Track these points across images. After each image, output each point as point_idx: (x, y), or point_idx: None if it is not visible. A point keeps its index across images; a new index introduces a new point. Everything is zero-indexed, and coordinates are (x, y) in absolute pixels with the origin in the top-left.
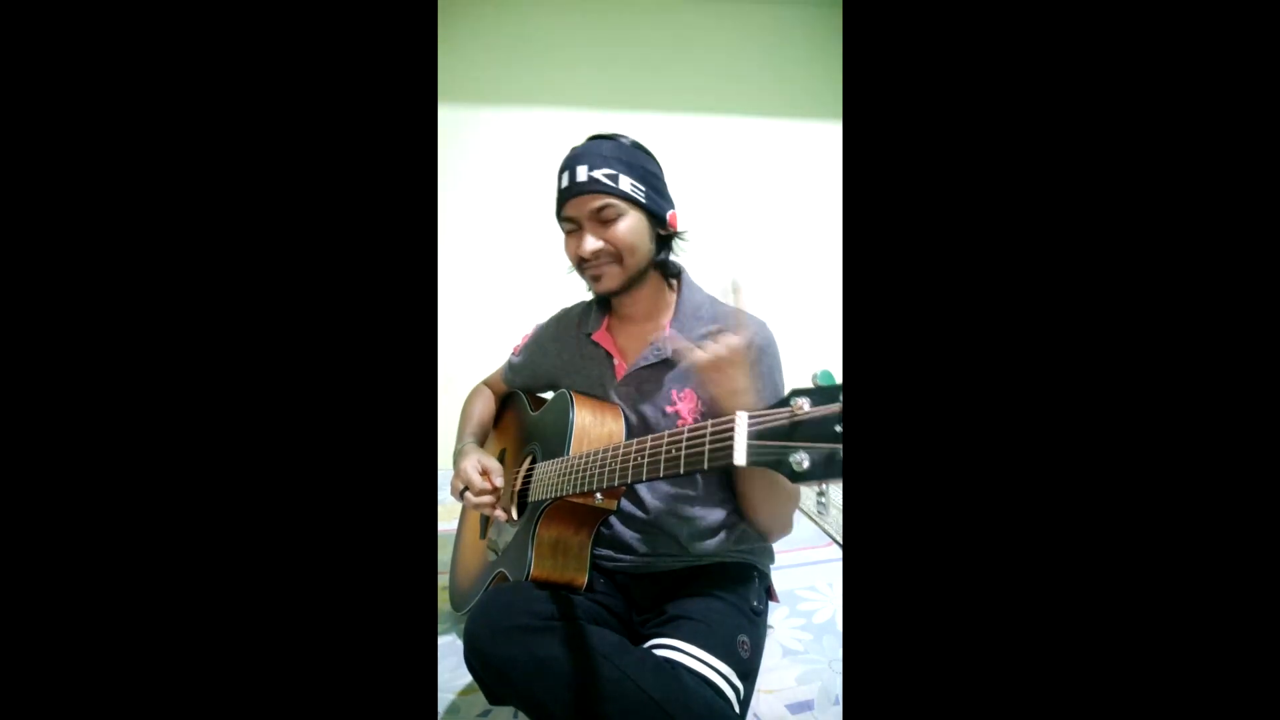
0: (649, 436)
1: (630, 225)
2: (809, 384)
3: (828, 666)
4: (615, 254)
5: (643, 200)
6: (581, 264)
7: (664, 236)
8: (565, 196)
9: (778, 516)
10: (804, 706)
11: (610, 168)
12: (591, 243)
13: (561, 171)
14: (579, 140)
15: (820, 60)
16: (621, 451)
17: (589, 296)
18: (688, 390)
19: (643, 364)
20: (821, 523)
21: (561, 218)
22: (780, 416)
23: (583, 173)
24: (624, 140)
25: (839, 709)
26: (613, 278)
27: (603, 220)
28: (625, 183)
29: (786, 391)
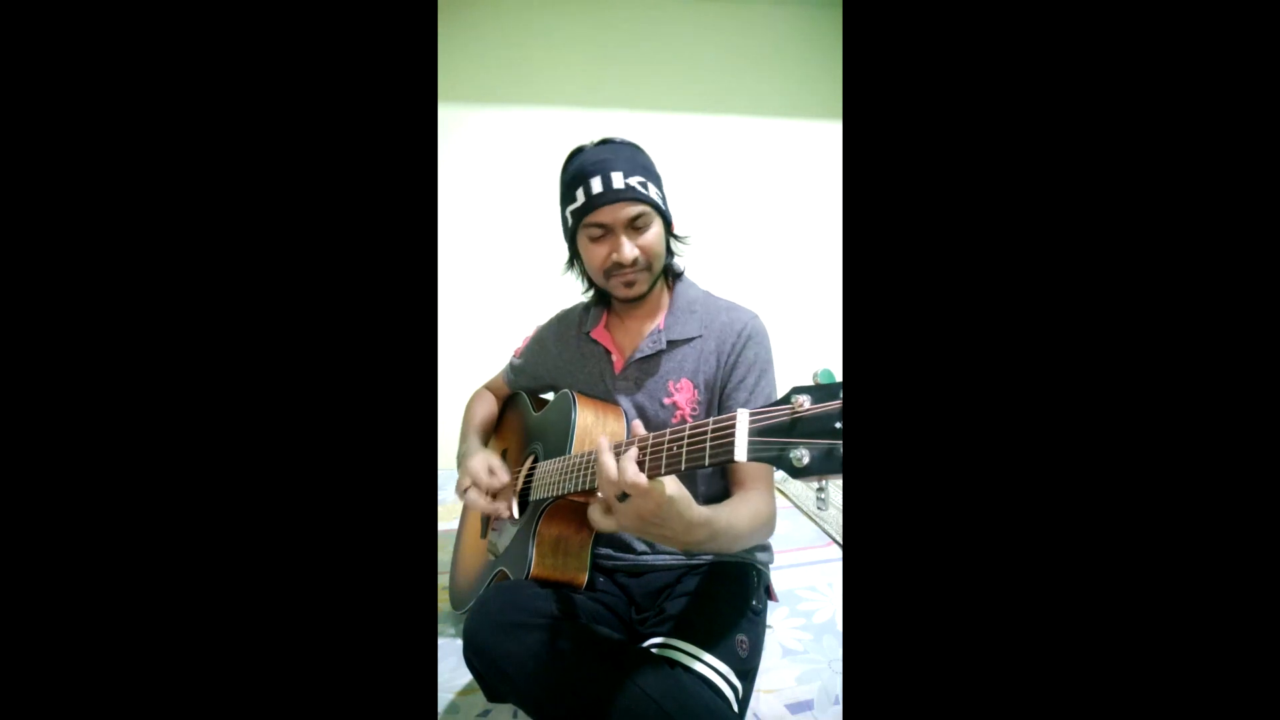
0: (650, 434)
1: (657, 233)
2: (810, 382)
3: (828, 666)
4: (647, 262)
5: (664, 208)
6: (613, 270)
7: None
8: (599, 202)
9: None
10: (804, 706)
11: (641, 175)
12: (631, 249)
13: (587, 177)
14: (578, 140)
15: (820, 60)
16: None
17: (586, 297)
18: (684, 380)
19: (639, 356)
20: (821, 521)
21: (588, 223)
22: (781, 413)
23: (619, 179)
24: (631, 145)
25: (839, 709)
26: (643, 283)
27: (636, 228)
28: (653, 191)
29: (786, 389)
